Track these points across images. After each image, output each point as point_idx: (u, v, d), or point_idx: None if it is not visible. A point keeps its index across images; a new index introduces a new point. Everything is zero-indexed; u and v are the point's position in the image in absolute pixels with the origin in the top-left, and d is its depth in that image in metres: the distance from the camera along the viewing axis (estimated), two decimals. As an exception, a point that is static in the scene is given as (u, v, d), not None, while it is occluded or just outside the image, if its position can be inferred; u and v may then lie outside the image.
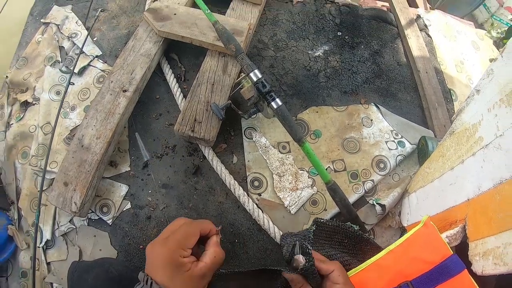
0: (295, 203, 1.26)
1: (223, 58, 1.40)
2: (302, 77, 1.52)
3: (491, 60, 0.84)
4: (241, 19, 1.51)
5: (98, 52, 1.55)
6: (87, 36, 1.55)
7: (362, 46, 1.66)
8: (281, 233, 1.18)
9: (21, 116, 1.50)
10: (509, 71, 0.77)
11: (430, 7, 2.66)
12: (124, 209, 1.26)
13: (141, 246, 1.21)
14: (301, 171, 1.32)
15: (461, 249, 0.83)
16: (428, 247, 0.83)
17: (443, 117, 1.48)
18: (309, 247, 0.70)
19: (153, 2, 1.57)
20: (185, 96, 1.39)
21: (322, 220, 0.91)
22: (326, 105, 1.47)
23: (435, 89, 1.55)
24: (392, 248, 0.85)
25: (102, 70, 1.50)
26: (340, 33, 1.67)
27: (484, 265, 0.73)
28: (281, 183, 1.29)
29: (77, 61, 1.49)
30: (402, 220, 1.22)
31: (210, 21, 1.30)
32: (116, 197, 1.27)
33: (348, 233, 0.96)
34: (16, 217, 1.34)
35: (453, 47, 1.83)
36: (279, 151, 1.35)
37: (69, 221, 1.26)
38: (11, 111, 1.54)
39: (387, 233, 1.27)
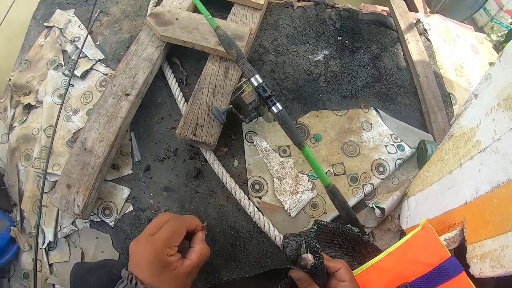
0: (295, 206, 1.27)
1: (225, 62, 1.41)
2: (302, 81, 1.54)
3: (491, 64, 0.85)
4: (242, 24, 1.52)
5: (100, 56, 1.56)
6: (87, 36, 1.56)
7: (362, 51, 1.67)
8: (281, 236, 1.19)
9: (24, 119, 1.51)
10: (507, 75, 0.78)
11: (430, 11, 2.68)
12: (126, 212, 1.27)
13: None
14: (301, 175, 1.33)
15: (460, 251, 0.84)
16: (427, 250, 0.84)
17: (443, 121, 1.49)
18: (317, 245, 0.71)
19: (155, 7, 1.59)
20: (186, 100, 1.40)
21: (322, 222, 0.92)
22: (326, 109, 1.48)
23: (434, 93, 1.56)
24: (392, 251, 0.86)
25: (105, 74, 1.52)
26: (340, 38, 1.69)
27: (482, 268, 0.74)
28: (282, 186, 1.30)
29: (76, 62, 1.51)
30: (401, 223, 1.23)
31: (211, 27, 1.32)
32: (118, 200, 1.28)
33: (348, 236, 0.97)
34: (18, 218, 1.35)
35: (452, 51, 1.84)
36: (280, 154, 1.36)
37: (72, 223, 1.28)
38: (14, 113, 1.55)
39: (386, 236, 1.28)
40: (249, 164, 1.34)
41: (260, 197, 1.29)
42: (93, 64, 1.54)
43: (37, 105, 1.52)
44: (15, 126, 1.51)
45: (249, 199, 1.26)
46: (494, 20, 2.68)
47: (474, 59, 1.88)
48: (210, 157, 1.30)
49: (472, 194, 0.83)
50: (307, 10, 1.75)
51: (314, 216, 1.27)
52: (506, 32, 2.10)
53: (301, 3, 1.77)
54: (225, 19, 1.56)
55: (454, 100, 1.63)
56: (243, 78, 1.27)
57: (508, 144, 0.72)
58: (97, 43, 1.61)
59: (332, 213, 1.27)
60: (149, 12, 1.62)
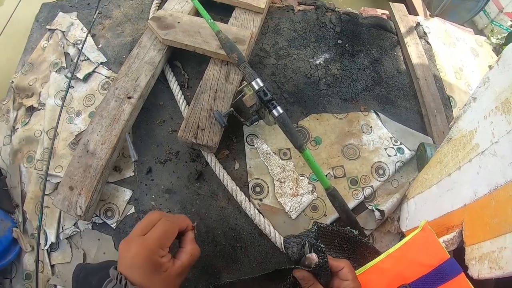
0: (295, 209, 1.28)
1: (226, 66, 1.42)
2: (303, 84, 1.55)
3: (490, 67, 0.86)
4: (243, 28, 1.54)
5: (103, 59, 1.58)
6: (86, 36, 1.57)
7: (362, 54, 1.68)
8: (282, 238, 1.20)
9: (27, 121, 1.52)
10: (505, 79, 0.79)
11: (430, 14, 2.70)
12: (128, 214, 1.28)
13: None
14: (301, 177, 1.34)
15: (459, 253, 0.85)
16: (426, 251, 0.84)
17: (442, 123, 1.50)
18: (321, 245, 0.71)
19: (157, 10, 1.60)
20: (188, 103, 1.41)
21: (322, 225, 0.93)
22: (327, 112, 1.50)
23: (434, 96, 1.57)
24: (392, 252, 0.87)
25: (107, 77, 1.53)
26: (341, 41, 1.70)
27: (480, 269, 0.74)
28: (282, 189, 1.31)
29: (76, 64, 1.53)
30: (401, 226, 1.24)
31: (213, 31, 1.33)
32: (120, 202, 1.29)
33: (348, 238, 0.98)
34: (20, 220, 1.36)
35: (452, 54, 1.85)
36: (280, 157, 1.37)
37: (74, 225, 1.29)
38: (16, 115, 1.56)
39: (386, 238, 1.29)
40: (250, 167, 1.35)
41: (260, 199, 1.30)
42: (96, 67, 1.55)
43: (39, 108, 1.53)
44: (18, 128, 1.52)
45: (250, 201, 1.27)
46: (494, 22, 2.69)
47: (474, 62, 1.89)
48: (211, 159, 1.31)
49: (470, 197, 0.84)
50: (308, 13, 1.76)
51: (314, 218, 1.28)
52: (506, 34, 2.11)
53: (302, 7, 1.78)
54: (227, 23, 1.57)
55: (453, 103, 1.64)
56: (244, 82, 1.28)
57: (506, 146, 0.73)
58: (99, 46, 1.62)
59: (332, 215, 1.27)
60: (151, 15, 1.64)
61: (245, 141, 1.39)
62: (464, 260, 0.81)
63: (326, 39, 1.70)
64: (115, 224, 1.27)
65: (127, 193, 1.31)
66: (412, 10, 2.83)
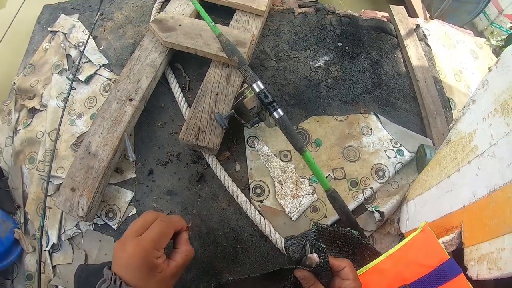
0: (296, 210, 1.28)
1: (227, 68, 1.43)
2: (303, 87, 1.56)
3: (490, 69, 0.86)
4: (244, 30, 1.55)
5: (104, 61, 1.58)
6: (88, 38, 1.58)
7: (362, 56, 1.69)
8: (282, 239, 1.20)
9: (29, 122, 1.53)
10: (503, 81, 0.80)
11: (430, 17, 2.71)
12: (130, 215, 1.29)
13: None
14: (302, 179, 1.35)
15: (458, 254, 0.86)
16: (426, 252, 0.85)
17: (442, 125, 1.51)
18: (322, 245, 0.71)
19: (159, 13, 1.61)
20: (189, 105, 1.42)
21: (322, 225, 0.93)
22: (327, 115, 1.50)
23: (434, 98, 1.57)
24: (392, 253, 0.88)
25: (109, 79, 1.54)
26: (341, 44, 1.71)
27: (479, 270, 0.75)
28: (283, 190, 1.32)
29: (78, 66, 1.53)
30: (401, 227, 1.24)
31: (214, 33, 1.34)
32: (122, 203, 1.30)
33: (348, 239, 0.98)
34: (22, 220, 1.36)
35: (452, 56, 1.86)
36: (281, 159, 1.38)
37: (75, 226, 1.29)
38: (18, 117, 1.57)
39: (386, 240, 1.29)
40: (250, 169, 1.36)
41: (261, 201, 1.30)
42: (97, 69, 1.56)
43: (41, 109, 1.54)
44: (20, 129, 1.53)
45: (250, 203, 1.27)
46: (493, 24, 2.69)
47: (474, 64, 1.90)
48: (212, 161, 1.32)
49: (469, 198, 0.85)
50: (308, 16, 1.77)
51: (314, 220, 1.28)
52: (505, 36, 2.12)
53: (302, 10, 1.79)
54: (227, 25, 1.58)
55: (453, 105, 1.65)
56: (245, 84, 1.29)
57: (505, 148, 0.74)
58: (101, 48, 1.63)
59: (332, 217, 1.28)
60: (152, 18, 1.65)
61: (246, 143, 1.40)
62: (463, 261, 0.82)
63: (327, 42, 1.71)
64: (116, 225, 1.27)
65: (128, 195, 1.31)
66: (412, 13, 2.84)
